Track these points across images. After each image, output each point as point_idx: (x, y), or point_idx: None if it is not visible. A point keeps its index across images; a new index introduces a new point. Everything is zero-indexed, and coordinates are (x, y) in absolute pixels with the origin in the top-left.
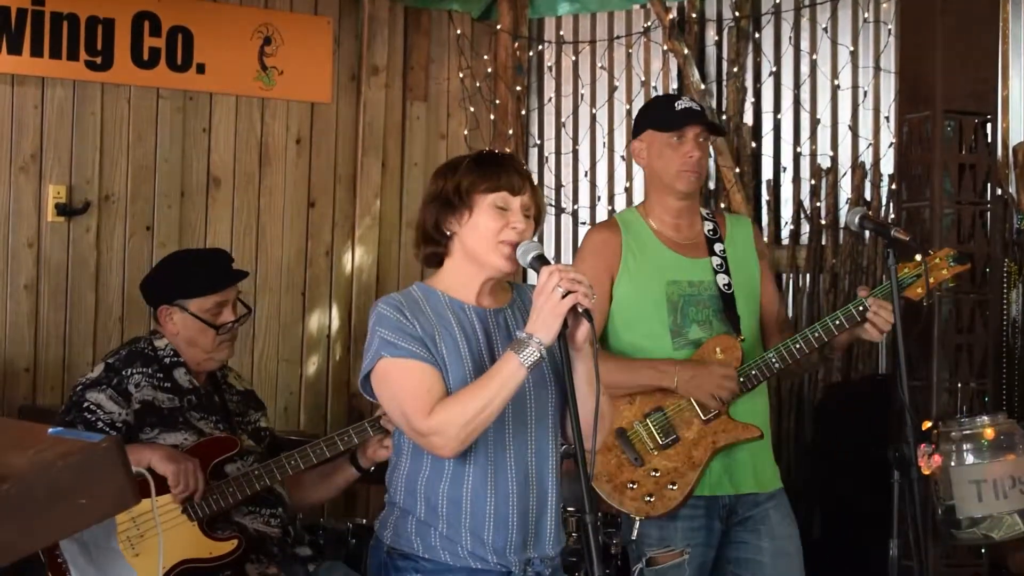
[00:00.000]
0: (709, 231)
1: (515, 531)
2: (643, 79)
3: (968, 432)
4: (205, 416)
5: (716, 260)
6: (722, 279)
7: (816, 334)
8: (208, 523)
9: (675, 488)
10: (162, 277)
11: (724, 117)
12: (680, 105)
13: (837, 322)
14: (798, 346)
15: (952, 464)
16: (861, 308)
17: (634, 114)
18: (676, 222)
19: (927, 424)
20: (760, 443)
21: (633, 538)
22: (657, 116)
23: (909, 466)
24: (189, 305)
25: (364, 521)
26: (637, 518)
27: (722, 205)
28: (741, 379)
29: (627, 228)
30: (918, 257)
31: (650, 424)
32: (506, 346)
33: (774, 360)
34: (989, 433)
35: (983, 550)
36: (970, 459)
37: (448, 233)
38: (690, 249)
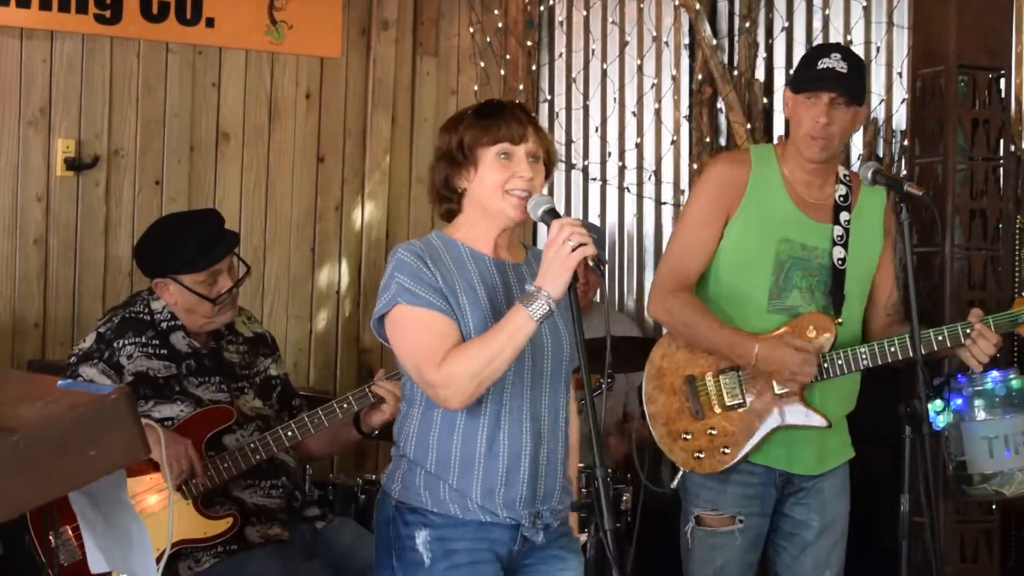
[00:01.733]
0: (840, 197)
1: (526, 484)
2: (655, 34)
3: (980, 388)
4: (205, 380)
5: (838, 230)
6: (838, 252)
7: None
8: (203, 500)
9: (727, 452)
10: (151, 251)
11: (736, 73)
12: (822, 64)
13: (940, 337)
14: (893, 349)
15: (963, 420)
16: (968, 331)
17: (645, 70)
18: (808, 178)
19: (939, 380)
20: (831, 432)
21: (673, 486)
22: (797, 74)
23: (921, 422)
24: (182, 280)
25: (374, 477)
26: (682, 469)
27: (740, 150)
28: (825, 365)
29: (757, 164)
30: None
31: (722, 381)
32: None
33: (864, 357)
34: (1001, 390)
35: (994, 506)
36: (982, 415)
37: (458, 190)
38: (815, 210)
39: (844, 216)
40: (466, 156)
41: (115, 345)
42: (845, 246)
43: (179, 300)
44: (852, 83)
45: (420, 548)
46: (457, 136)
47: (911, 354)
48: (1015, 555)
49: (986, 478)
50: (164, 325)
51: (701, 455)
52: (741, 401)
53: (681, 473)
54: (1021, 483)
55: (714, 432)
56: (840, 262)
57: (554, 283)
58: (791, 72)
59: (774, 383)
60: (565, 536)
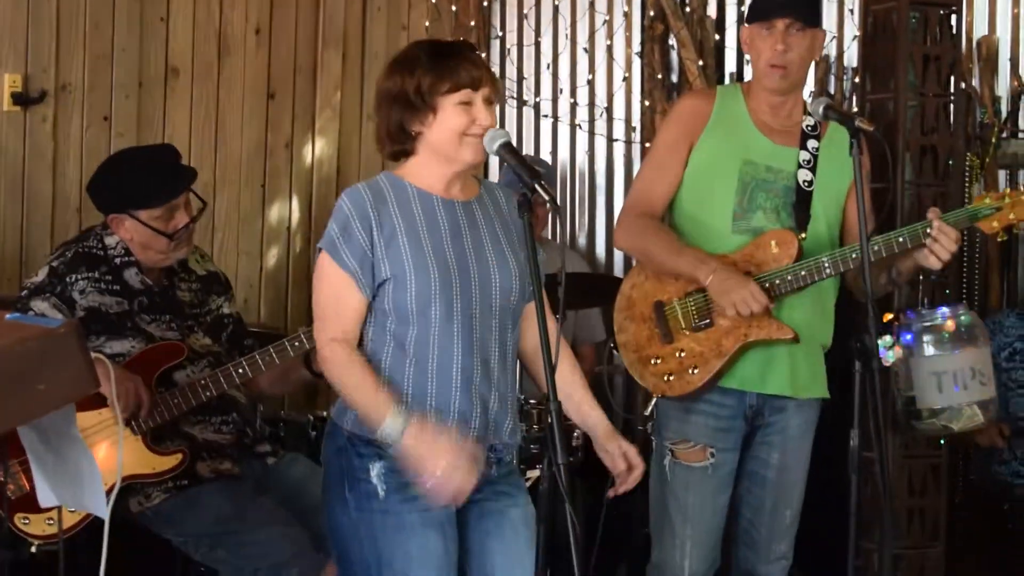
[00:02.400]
0: (808, 126)
1: (478, 418)
2: None
3: (929, 324)
4: (157, 317)
5: (804, 155)
6: (804, 175)
7: (876, 247)
8: (153, 436)
9: (696, 372)
10: (107, 186)
11: (688, 9)
12: None
13: (901, 239)
14: (855, 256)
15: (912, 355)
16: (928, 230)
17: (597, 6)
18: (776, 108)
19: (888, 316)
20: (804, 351)
21: (647, 413)
22: (751, 6)
23: (870, 357)
24: (139, 215)
25: (325, 414)
26: (654, 395)
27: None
28: (789, 277)
29: (722, 99)
30: (1008, 190)
31: (688, 303)
32: (474, 238)
33: (826, 264)
34: (950, 325)
35: (942, 441)
36: (930, 351)
37: (413, 133)
38: (781, 135)
39: (812, 144)
40: (425, 101)
41: (67, 280)
42: (812, 170)
43: (135, 236)
44: (804, 6)
45: (374, 480)
46: (414, 81)
47: (871, 259)
48: (963, 489)
49: (935, 413)
50: (118, 261)
51: (671, 377)
52: (708, 321)
53: (654, 400)
54: (969, 418)
55: (683, 354)
56: (806, 183)
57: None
58: (743, 8)
59: None
60: (513, 473)
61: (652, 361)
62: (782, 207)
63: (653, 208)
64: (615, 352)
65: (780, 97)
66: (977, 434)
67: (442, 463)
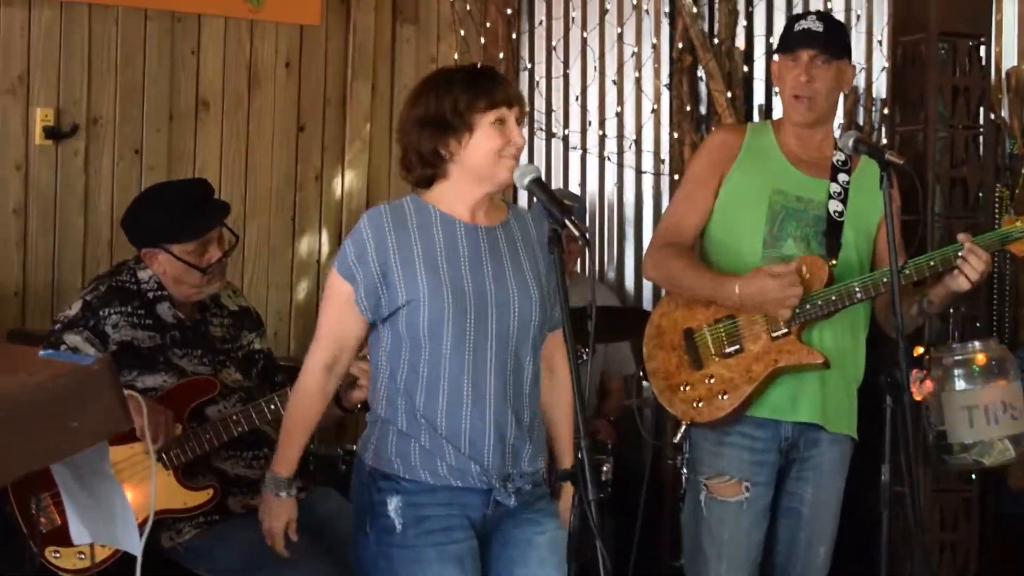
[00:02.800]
0: (838, 160)
1: (492, 445)
2: (634, 2)
3: (960, 358)
4: (188, 352)
5: (835, 187)
6: (835, 205)
7: (907, 271)
8: (184, 471)
9: (726, 398)
10: (141, 220)
11: (716, 40)
12: (799, 26)
13: (932, 263)
14: (885, 280)
15: (944, 390)
16: (958, 252)
17: (626, 38)
18: (806, 140)
19: (919, 350)
20: (835, 379)
21: (676, 441)
22: (781, 37)
23: (901, 391)
24: (172, 249)
25: (354, 447)
26: (684, 423)
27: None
28: (819, 302)
29: (752, 133)
30: None
31: (718, 329)
32: (495, 264)
33: (857, 289)
34: (981, 359)
35: (973, 476)
36: (961, 385)
37: (446, 156)
38: (810, 167)
39: (843, 177)
40: (462, 119)
41: (101, 314)
42: (843, 202)
43: (168, 269)
44: (829, 39)
45: (392, 514)
46: (450, 99)
47: (901, 282)
48: (994, 524)
49: (966, 448)
50: (150, 295)
51: (700, 404)
52: (738, 347)
53: (683, 428)
54: (1001, 452)
55: (712, 380)
56: (837, 213)
57: None
58: (772, 40)
59: (769, 327)
60: (541, 499)
61: (682, 388)
62: (812, 236)
63: (682, 239)
64: (645, 382)
65: (808, 130)
66: (1010, 476)
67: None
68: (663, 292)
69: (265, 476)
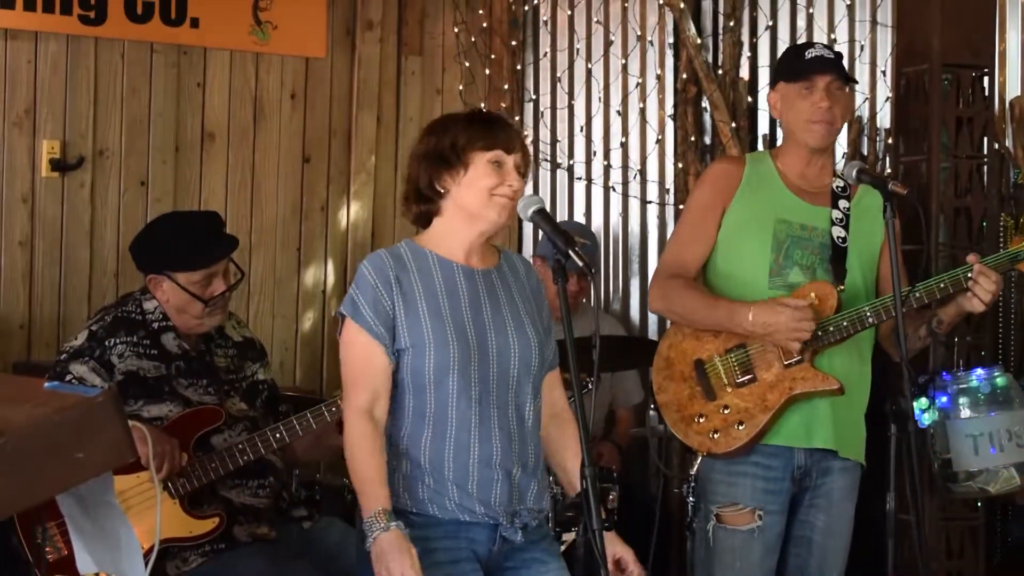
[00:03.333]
0: (838, 187)
1: (499, 483)
2: (639, 33)
3: (964, 386)
4: (194, 382)
5: (837, 214)
6: (838, 231)
7: (917, 294)
8: (190, 499)
9: (742, 428)
10: (151, 246)
11: (720, 71)
12: (811, 53)
13: (942, 285)
14: (919, 297)
15: (949, 417)
16: (968, 274)
17: (630, 69)
18: (804, 170)
19: (924, 378)
20: (846, 404)
21: (692, 472)
22: (787, 66)
23: (906, 419)
24: (177, 277)
25: None
26: (700, 454)
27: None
28: (831, 329)
29: (752, 164)
30: None
31: (730, 359)
32: (494, 307)
33: (868, 314)
34: (986, 387)
35: (979, 503)
36: (966, 413)
37: (442, 191)
38: (812, 196)
39: (843, 204)
40: (458, 156)
41: (107, 344)
42: (845, 228)
43: (171, 298)
44: (841, 65)
45: None
46: (449, 137)
47: (914, 306)
48: (1001, 551)
49: (971, 475)
50: (156, 325)
51: (716, 435)
52: (752, 376)
53: (700, 459)
54: (1006, 480)
55: (727, 410)
56: (841, 240)
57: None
58: (774, 70)
59: (781, 354)
60: (546, 539)
61: (696, 419)
62: (818, 264)
63: (687, 270)
64: (653, 413)
65: (815, 156)
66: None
67: None
68: (668, 323)
69: (362, 527)
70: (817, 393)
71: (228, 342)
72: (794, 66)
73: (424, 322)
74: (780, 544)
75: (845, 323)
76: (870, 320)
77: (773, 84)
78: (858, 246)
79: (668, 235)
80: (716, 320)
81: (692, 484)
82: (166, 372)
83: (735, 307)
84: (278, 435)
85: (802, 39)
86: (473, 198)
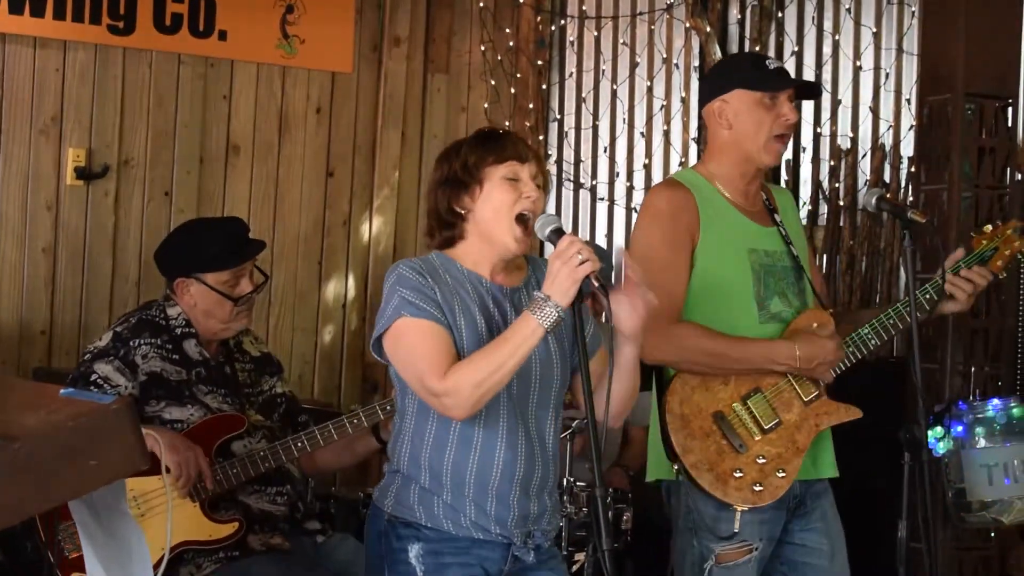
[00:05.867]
0: (764, 200)
1: (517, 504)
2: (665, 56)
3: (980, 415)
4: (213, 390)
5: (781, 230)
6: (792, 249)
7: (909, 308)
8: (210, 503)
9: (783, 476)
10: (178, 249)
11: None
12: (772, 64)
13: (928, 296)
14: (892, 322)
15: (964, 447)
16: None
17: (655, 91)
18: (746, 189)
19: (939, 407)
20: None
21: (736, 531)
22: (748, 74)
23: (920, 448)
24: (206, 278)
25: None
26: (739, 509)
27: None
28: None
29: (695, 189)
30: (987, 228)
31: (752, 407)
32: None
33: (870, 337)
34: (1002, 417)
35: (992, 534)
36: (982, 443)
37: (462, 212)
38: (758, 217)
39: (777, 217)
40: (472, 175)
41: (131, 344)
42: (792, 243)
43: (199, 302)
44: (802, 80)
45: (413, 561)
46: (460, 158)
47: (908, 321)
48: None
49: (985, 506)
50: (178, 331)
51: (759, 487)
52: (777, 420)
53: (739, 512)
54: (1020, 511)
55: (763, 460)
56: (796, 259)
57: (561, 294)
58: (721, 77)
59: (799, 392)
60: (555, 558)
61: (734, 474)
62: (788, 288)
63: (679, 313)
64: (681, 477)
65: (759, 173)
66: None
67: None
68: (656, 374)
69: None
70: (841, 424)
71: (246, 356)
72: (757, 74)
73: (460, 332)
74: (762, 567)
75: (851, 349)
76: (873, 342)
77: (719, 92)
78: (803, 258)
79: None
80: (750, 361)
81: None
82: (187, 377)
83: (774, 345)
84: (300, 444)
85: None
86: (493, 216)
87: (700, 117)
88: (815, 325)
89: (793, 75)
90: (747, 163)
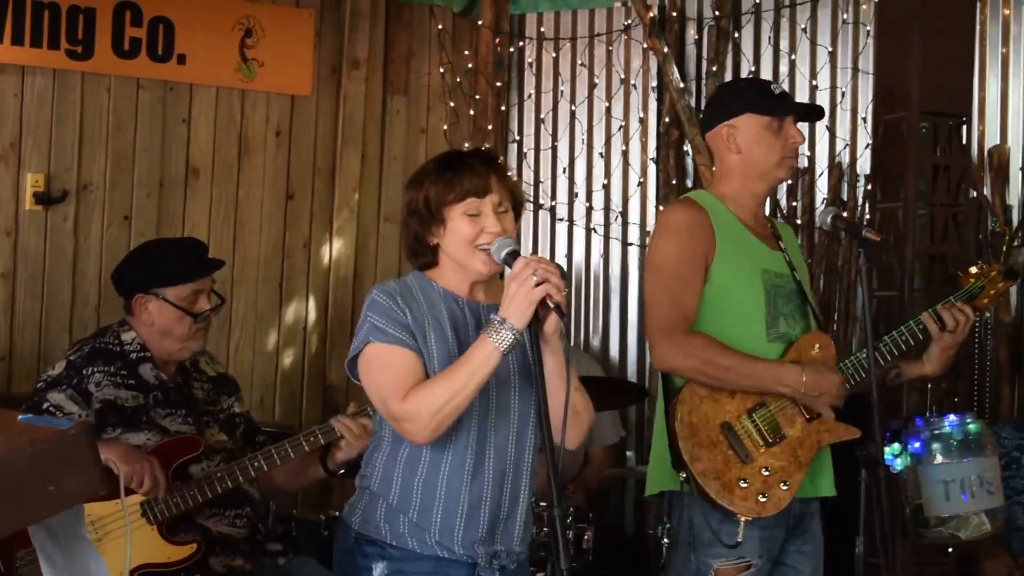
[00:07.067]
0: (771, 227)
1: (485, 523)
2: (623, 77)
3: (937, 432)
4: (171, 412)
5: (785, 256)
6: (796, 275)
7: (903, 336)
8: (168, 526)
9: (786, 488)
10: (137, 266)
11: (702, 116)
12: (777, 89)
13: (921, 326)
14: (888, 347)
15: (921, 463)
16: (920, 326)
17: (613, 112)
18: (756, 210)
19: (896, 424)
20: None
21: (740, 540)
22: (755, 99)
23: (876, 465)
24: (166, 293)
25: (338, 514)
26: (743, 519)
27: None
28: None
29: (709, 208)
30: (974, 269)
31: (757, 419)
32: None
33: (868, 362)
34: (959, 434)
35: (950, 550)
36: (939, 459)
37: (431, 244)
38: (767, 240)
39: (781, 244)
40: (432, 214)
41: (84, 372)
42: (795, 269)
43: (157, 319)
44: (805, 104)
45: None
46: (422, 193)
47: (903, 348)
48: None
49: (942, 521)
50: (133, 356)
51: (764, 497)
52: (782, 435)
53: (743, 522)
54: (977, 527)
55: (767, 471)
56: (799, 284)
57: (517, 316)
58: (732, 101)
59: (802, 409)
60: None
61: (739, 484)
62: (795, 310)
63: (691, 322)
64: (687, 484)
65: (765, 197)
66: (986, 561)
67: None
68: (648, 367)
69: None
70: (840, 443)
71: (204, 376)
72: (765, 100)
73: (432, 351)
74: None
75: (851, 372)
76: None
77: (726, 116)
78: (806, 286)
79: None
80: (758, 380)
81: (666, 526)
82: (144, 402)
83: (783, 368)
84: (256, 464)
85: (784, 85)
86: (457, 251)
87: (658, 137)
88: (817, 346)
89: None
90: (759, 182)
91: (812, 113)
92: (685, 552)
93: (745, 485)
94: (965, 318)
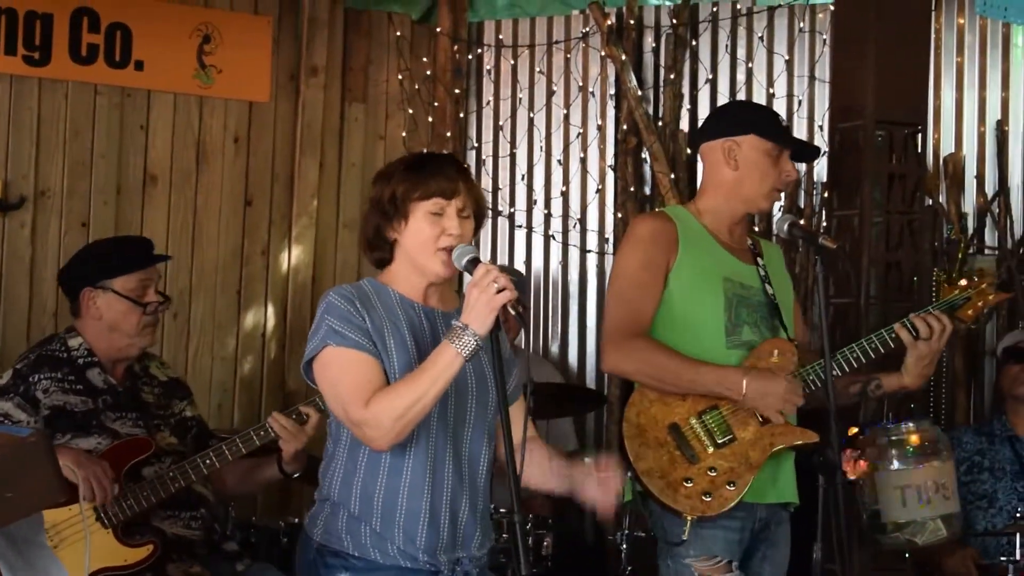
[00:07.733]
0: (751, 245)
1: (446, 530)
2: (581, 84)
3: (894, 438)
4: (122, 415)
5: (760, 271)
6: (768, 288)
7: (872, 344)
8: (123, 529)
9: (733, 488)
10: (84, 262)
11: (660, 123)
12: (783, 122)
13: (893, 335)
14: (855, 355)
15: (878, 469)
16: (891, 335)
17: (572, 119)
18: (731, 227)
19: (853, 430)
20: (788, 453)
21: (684, 538)
22: (763, 123)
23: (834, 471)
24: (114, 284)
25: (297, 520)
26: (689, 518)
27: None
28: (810, 379)
29: (679, 220)
30: (963, 282)
31: (707, 421)
32: None
33: (834, 369)
34: (914, 440)
35: (907, 555)
36: (895, 465)
37: (389, 240)
38: (740, 254)
39: (760, 260)
40: (397, 208)
41: (31, 379)
42: (770, 284)
43: (106, 313)
44: (802, 141)
45: None
46: (390, 188)
47: (872, 356)
48: None
49: (899, 527)
50: (80, 361)
51: (708, 497)
52: (732, 436)
53: (689, 521)
54: (933, 532)
55: (714, 472)
56: (772, 297)
57: (479, 321)
58: (733, 120)
59: (756, 412)
60: None
61: (684, 483)
62: (761, 320)
63: (642, 327)
64: (634, 483)
65: (747, 216)
66: (946, 559)
67: None
68: (606, 375)
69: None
70: (796, 447)
71: (154, 380)
72: (775, 128)
73: (392, 356)
74: None
75: (812, 378)
76: (836, 373)
77: (731, 132)
78: (782, 302)
79: (607, 284)
80: (701, 384)
81: (625, 532)
82: (93, 406)
83: (725, 372)
84: (208, 461)
85: (741, 93)
86: (416, 249)
87: (616, 144)
88: (776, 352)
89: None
90: (743, 204)
91: (808, 153)
92: (664, 556)
93: (690, 484)
94: (941, 326)
